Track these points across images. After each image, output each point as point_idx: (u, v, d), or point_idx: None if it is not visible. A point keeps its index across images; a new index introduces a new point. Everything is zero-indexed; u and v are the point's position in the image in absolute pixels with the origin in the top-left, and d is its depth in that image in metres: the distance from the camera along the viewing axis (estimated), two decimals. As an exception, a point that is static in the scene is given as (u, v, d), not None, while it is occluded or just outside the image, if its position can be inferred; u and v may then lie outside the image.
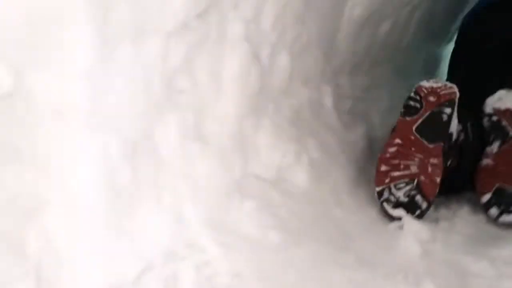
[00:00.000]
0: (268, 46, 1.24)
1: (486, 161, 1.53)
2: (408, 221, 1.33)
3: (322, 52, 1.58)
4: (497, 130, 1.54)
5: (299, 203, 1.23)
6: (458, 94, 1.47)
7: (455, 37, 2.34)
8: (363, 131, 1.76)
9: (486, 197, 1.46)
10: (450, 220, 1.47)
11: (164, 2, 0.84)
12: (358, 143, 1.71)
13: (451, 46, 2.71)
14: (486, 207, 1.45)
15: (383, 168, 1.45)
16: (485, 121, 1.57)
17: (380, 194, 1.43)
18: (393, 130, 1.49)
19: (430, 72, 2.51)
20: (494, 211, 1.44)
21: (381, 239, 1.30)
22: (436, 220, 1.45)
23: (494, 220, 1.43)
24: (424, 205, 1.41)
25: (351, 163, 1.61)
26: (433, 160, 1.43)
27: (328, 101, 1.62)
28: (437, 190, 1.41)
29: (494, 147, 1.53)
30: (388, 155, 1.46)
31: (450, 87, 1.48)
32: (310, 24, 1.44)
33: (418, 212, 1.40)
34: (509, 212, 1.42)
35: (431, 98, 1.48)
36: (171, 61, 0.87)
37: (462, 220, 1.49)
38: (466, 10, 2.47)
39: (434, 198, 1.41)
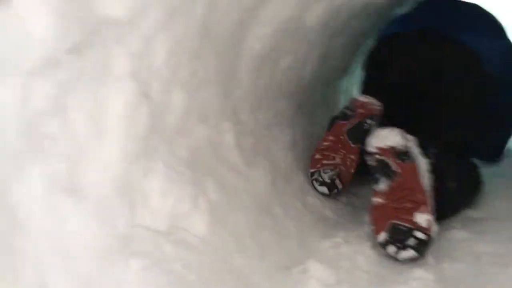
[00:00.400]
0: (160, 83, 1.14)
1: (377, 200, 1.55)
2: (312, 265, 1.29)
3: (221, 88, 1.51)
4: (383, 168, 1.58)
5: (196, 254, 1.12)
6: (380, 110, 1.90)
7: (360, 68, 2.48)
8: (266, 168, 1.71)
9: (382, 236, 1.48)
10: (352, 259, 1.44)
11: (25, 37, 0.71)
12: (261, 180, 1.65)
13: (350, 79, 2.83)
14: (383, 246, 1.47)
15: (317, 156, 1.92)
16: (370, 160, 1.62)
17: (312, 174, 1.90)
18: (329, 128, 1.95)
19: (330, 105, 2.57)
20: (391, 249, 1.45)
21: (285, 286, 1.24)
22: (338, 260, 1.43)
23: (393, 257, 1.44)
24: (340, 186, 1.89)
25: (254, 202, 1.55)
26: (352, 157, 1.89)
27: (229, 138, 1.54)
28: (351, 178, 1.90)
29: (382, 185, 1.55)
30: (322, 147, 1.92)
31: (377, 104, 1.92)
32: (207, 59, 1.37)
33: (335, 191, 1.88)
34: (405, 248, 1.43)
35: (361, 110, 1.90)
36: (35, 103, 0.74)
37: (365, 257, 1.48)
38: (365, 45, 2.58)
39: (348, 183, 1.91)
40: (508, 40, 2.04)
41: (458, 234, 1.55)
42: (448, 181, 1.67)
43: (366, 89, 2.16)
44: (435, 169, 1.60)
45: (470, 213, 1.74)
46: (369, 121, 1.88)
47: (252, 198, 1.54)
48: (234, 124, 1.59)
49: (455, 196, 1.71)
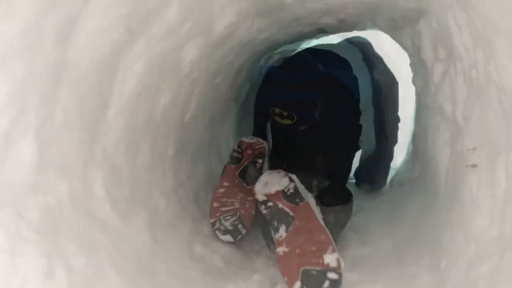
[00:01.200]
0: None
1: (281, 249, 1.52)
2: None
3: (88, 133, 1.31)
4: (277, 214, 1.57)
5: None
6: (267, 148, 2.07)
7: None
8: (145, 219, 1.53)
9: (297, 286, 1.45)
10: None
11: None
12: (139, 235, 1.47)
13: (240, 113, 2.76)
14: None
15: (215, 204, 1.88)
16: (263, 210, 1.61)
17: (213, 224, 1.83)
18: (222, 174, 1.98)
19: (219, 142, 2.46)
20: None
21: None
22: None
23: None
24: (243, 231, 1.82)
25: (131, 263, 1.35)
26: (250, 198, 1.85)
27: (98, 190, 1.34)
28: (253, 219, 1.85)
29: (281, 232, 1.52)
30: (218, 194, 1.90)
31: (262, 143, 2.07)
32: (66, 102, 1.17)
33: (240, 236, 1.81)
34: None
35: (249, 151, 2.02)
36: None
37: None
38: (248, 81, 2.56)
39: (250, 225, 1.85)
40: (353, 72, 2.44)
41: (349, 276, 1.50)
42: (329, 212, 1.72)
43: (255, 129, 2.50)
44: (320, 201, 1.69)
45: (359, 250, 1.72)
46: (259, 160, 1.98)
47: (128, 259, 1.35)
48: (105, 172, 1.40)
49: (334, 226, 1.73)
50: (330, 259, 1.45)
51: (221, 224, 1.82)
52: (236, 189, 1.91)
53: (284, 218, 1.56)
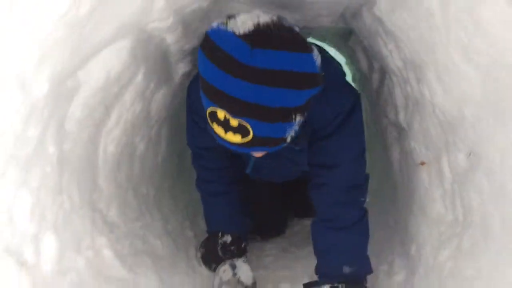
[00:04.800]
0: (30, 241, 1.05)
1: None
2: None
3: (88, 206, 1.44)
4: None
5: None
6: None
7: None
8: (148, 265, 1.68)
9: None
10: None
11: None
12: (150, 282, 1.61)
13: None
14: None
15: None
16: None
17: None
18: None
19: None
20: None
21: None
22: None
23: None
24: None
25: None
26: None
27: (106, 252, 1.48)
28: None
29: None
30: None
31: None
32: (70, 188, 1.30)
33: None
34: None
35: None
36: None
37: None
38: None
39: None
40: None
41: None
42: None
43: None
44: None
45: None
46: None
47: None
48: (108, 234, 1.53)
49: None
50: None
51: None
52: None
53: None
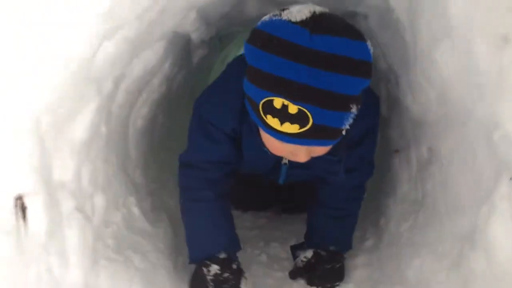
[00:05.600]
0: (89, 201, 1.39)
1: None
2: None
3: (122, 170, 1.77)
4: None
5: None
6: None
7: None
8: (165, 222, 2.03)
9: None
10: None
11: None
12: (165, 234, 1.97)
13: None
14: None
15: None
16: None
17: None
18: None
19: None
20: None
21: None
22: None
23: None
24: None
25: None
26: None
27: (135, 210, 1.82)
28: None
29: None
30: None
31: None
32: (110, 156, 1.63)
33: None
34: None
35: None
36: None
37: None
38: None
39: None
40: None
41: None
42: None
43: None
44: None
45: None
46: None
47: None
48: (136, 194, 1.88)
49: None
50: None
51: None
52: None
53: None
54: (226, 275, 1.55)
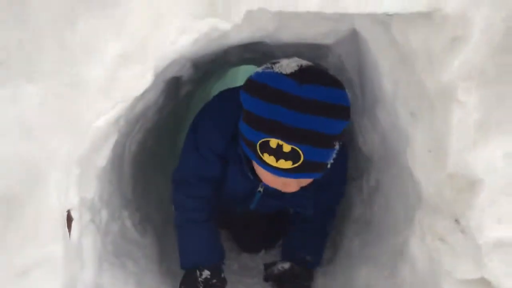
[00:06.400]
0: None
1: None
2: None
3: (119, 192, 2.07)
4: None
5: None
6: None
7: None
8: (152, 235, 2.32)
9: None
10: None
11: None
12: (152, 245, 2.26)
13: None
14: None
15: None
16: None
17: None
18: None
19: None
20: None
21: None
22: None
23: None
24: None
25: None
26: None
27: (127, 222, 2.12)
28: None
29: None
30: None
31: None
32: (112, 176, 1.93)
33: None
34: None
35: None
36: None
37: None
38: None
39: None
40: None
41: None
42: None
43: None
44: None
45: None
46: None
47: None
48: (127, 207, 2.17)
49: None
50: None
51: None
52: None
53: None
54: (214, 281, 1.81)
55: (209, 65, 2.26)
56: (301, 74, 1.30)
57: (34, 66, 0.92)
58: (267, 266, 2.06)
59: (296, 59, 1.36)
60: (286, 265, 1.99)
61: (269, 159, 1.33)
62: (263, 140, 1.31)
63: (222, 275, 1.86)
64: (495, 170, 0.98)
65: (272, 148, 1.31)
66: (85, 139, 1.11)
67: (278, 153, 1.31)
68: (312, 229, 2.01)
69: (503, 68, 0.93)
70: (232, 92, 1.67)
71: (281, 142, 1.28)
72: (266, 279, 2.03)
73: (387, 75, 1.39)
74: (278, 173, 1.37)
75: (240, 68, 4.09)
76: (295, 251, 2.01)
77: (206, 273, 1.81)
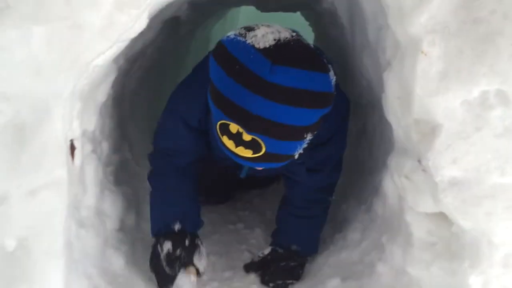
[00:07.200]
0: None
1: None
2: None
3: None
4: None
5: None
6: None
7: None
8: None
9: None
10: None
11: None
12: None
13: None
14: None
15: None
16: None
17: None
18: None
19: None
20: None
21: None
22: None
23: None
24: None
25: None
26: None
27: (128, 155, 2.27)
28: None
29: None
30: None
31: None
32: (113, 114, 2.05)
33: None
34: None
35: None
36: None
37: None
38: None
39: None
40: None
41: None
42: None
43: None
44: None
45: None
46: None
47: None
48: (128, 142, 2.31)
49: None
50: None
51: None
52: None
53: None
54: (178, 252, 1.53)
55: (207, 5, 2.31)
56: (276, 51, 1.09)
57: (40, 10, 1.02)
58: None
59: (275, 28, 1.16)
60: (267, 250, 1.81)
61: (228, 142, 1.19)
62: (222, 121, 1.16)
63: (187, 242, 1.56)
64: (453, 117, 1.09)
65: (231, 132, 1.16)
66: (86, 76, 1.21)
67: (237, 140, 1.16)
68: (298, 216, 1.78)
69: (463, 24, 1.02)
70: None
71: (241, 129, 1.13)
72: (247, 269, 1.81)
73: (371, 23, 1.47)
74: (237, 159, 1.23)
75: (241, 9, 4.11)
76: (279, 238, 1.82)
77: (167, 246, 1.55)
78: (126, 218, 1.93)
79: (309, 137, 1.19)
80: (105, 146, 1.92)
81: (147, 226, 1.73)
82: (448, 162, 1.14)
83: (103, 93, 1.54)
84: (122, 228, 1.88)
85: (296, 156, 1.24)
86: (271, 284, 1.73)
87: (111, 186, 1.94)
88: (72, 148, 1.27)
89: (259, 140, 1.13)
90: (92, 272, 1.51)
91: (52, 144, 1.11)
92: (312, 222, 1.81)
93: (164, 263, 1.54)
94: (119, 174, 2.09)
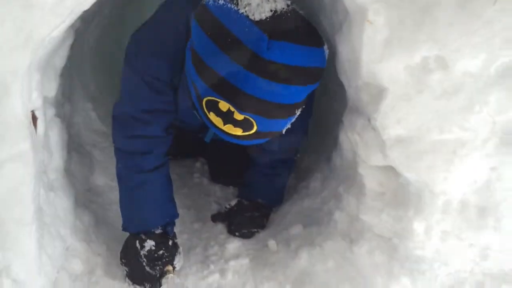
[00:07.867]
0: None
1: None
2: None
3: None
4: None
5: None
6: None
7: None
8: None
9: None
10: None
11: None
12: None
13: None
14: None
15: None
16: None
17: None
18: None
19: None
20: None
21: None
22: None
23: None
24: None
25: None
26: None
27: (92, 115, 2.28)
28: None
29: None
30: None
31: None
32: (72, 74, 2.03)
33: None
34: None
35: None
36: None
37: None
38: None
39: None
40: None
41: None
42: None
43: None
44: None
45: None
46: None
47: None
48: (92, 102, 2.31)
49: None
50: None
51: None
52: None
53: None
54: (161, 252, 1.47)
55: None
56: (273, 24, 1.00)
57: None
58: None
59: None
60: (233, 202, 1.87)
61: (215, 119, 1.11)
62: (211, 98, 1.07)
63: (170, 242, 1.51)
64: (397, 81, 1.17)
65: (221, 110, 1.07)
66: (42, 49, 1.21)
67: (227, 118, 1.08)
68: (265, 174, 1.84)
69: (406, -6, 1.07)
70: (181, 2, 1.32)
71: (232, 109, 1.05)
72: (214, 220, 1.87)
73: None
74: (223, 136, 1.16)
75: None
76: (246, 192, 1.88)
77: (149, 244, 1.47)
78: (95, 177, 1.99)
79: (298, 112, 1.17)
80: (68, 109, 1.93)
81: (115, 184, 1.67)
82: (393, 122, 1.23)
83: (61, 58, 1.55)
84: (91, 188, 1.93)
85: (283, 132, 1.20)
86: (237, 233, 1.79)
87: (77, 147, 1.98)
88: (34, 118, 1.29)
89: (252, 120, 1.07)
90: (65, 233, 1.58)
91: (12, 119, 1.13)
92: (277, 179, 1.87)
93: (144, 262, 1.46)
94: (84, 134, 2.12)
